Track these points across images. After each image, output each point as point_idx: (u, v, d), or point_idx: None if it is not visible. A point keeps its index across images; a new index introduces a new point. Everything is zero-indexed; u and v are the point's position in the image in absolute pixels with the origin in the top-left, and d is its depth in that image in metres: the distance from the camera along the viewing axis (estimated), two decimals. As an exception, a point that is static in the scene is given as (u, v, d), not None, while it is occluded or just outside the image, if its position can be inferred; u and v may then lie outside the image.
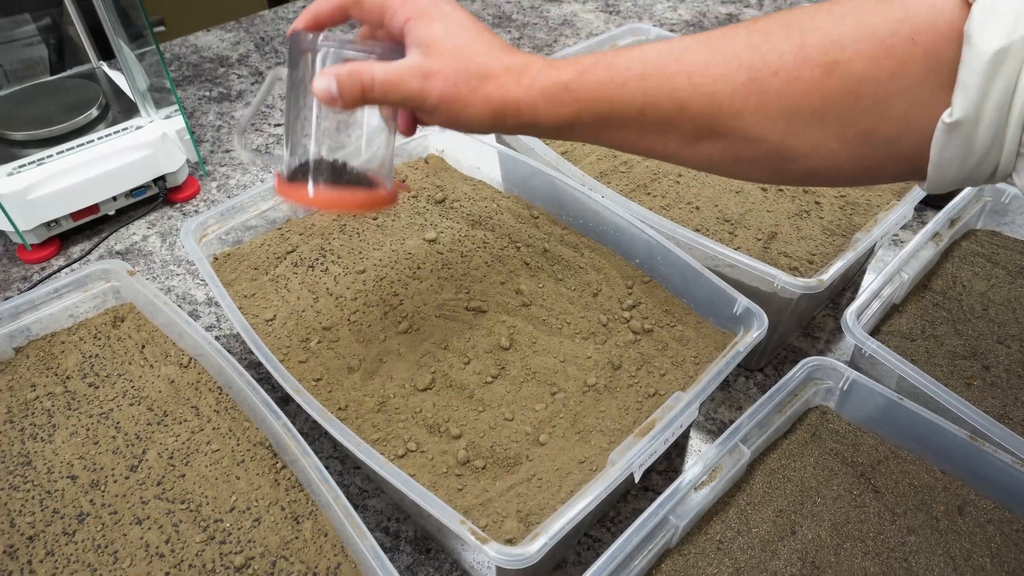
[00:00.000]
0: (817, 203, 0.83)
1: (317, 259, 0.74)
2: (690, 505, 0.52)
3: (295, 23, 0.48)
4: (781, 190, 0.86)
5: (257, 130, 1.13)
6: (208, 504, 0.54)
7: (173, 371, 0.63)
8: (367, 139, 0.49)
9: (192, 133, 0.97)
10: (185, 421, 0.60)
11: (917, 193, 0.79)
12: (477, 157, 0.86)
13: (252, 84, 1.24)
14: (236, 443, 0.58)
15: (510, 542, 0.51)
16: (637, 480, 0.53)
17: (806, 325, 0.86)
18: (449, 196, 0.82)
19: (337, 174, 0.49)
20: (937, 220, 0.75)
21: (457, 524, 0.48)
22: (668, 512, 0.50)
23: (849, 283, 0.92)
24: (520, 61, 0.43)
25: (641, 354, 0.66)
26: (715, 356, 0.65)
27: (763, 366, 0.81)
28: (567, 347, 0.66)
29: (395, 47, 0.46)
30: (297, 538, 0.52)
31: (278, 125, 1.14)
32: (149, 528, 0.52)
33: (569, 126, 0.44)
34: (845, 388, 0.60)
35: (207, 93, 1.22)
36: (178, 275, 0.89)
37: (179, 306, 0.83)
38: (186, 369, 0.64)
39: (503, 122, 0.44)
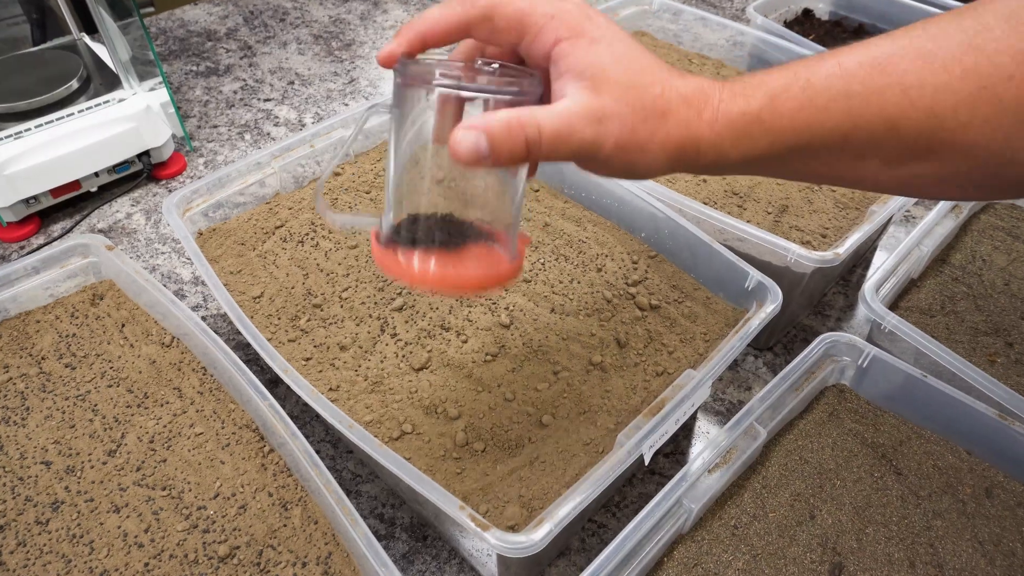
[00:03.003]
0: (829, 176, 0.80)
1: (307, 234, 0.71)
2: (703, 488, 0.48)
3: (392, 46, 0.37)
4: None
5: (246, 105, 1.09)
6: (191, 490, 0.51)
7: (155, 351, 0.60)
8: (500, 194, 0.39)
9: (177, 107, 0.93)
10: (167, 403, 0.56)
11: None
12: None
13: (240, 58, 1.20)
14: (221, 426, 0.55)
15: (512, 529, 0.48)
16: (647, 462, 0.50)
17: (816, 303, 0.83)
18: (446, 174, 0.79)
19: (455, 237, 0.39)
20: (956, 191, 0.72)
21: (456, 510, 0.45)
22: (681, 496, 0.47)
23: (860, 260, 0.89)
24: (695, 88, 0.36)
25: (648, 331, 0.63)
26: (726, 333, 0.62)
27: (773, 345, 0.78)
28: (570, 324, 0.63)
29: (532, 75, 0.37)
30: (285, 526, 0.49)
31: (268, 100, 1.10)
32: (127, 516, 0.49)
33: (757, 161, 0.37)
34: (865, 365, 0.57)
35: (194, 68, 1.18)
36: (163, 253, 0.86)
37: (164, 285, 0.80)
38: (168, 349, 0.60)
39: (678, 165, 0.37)
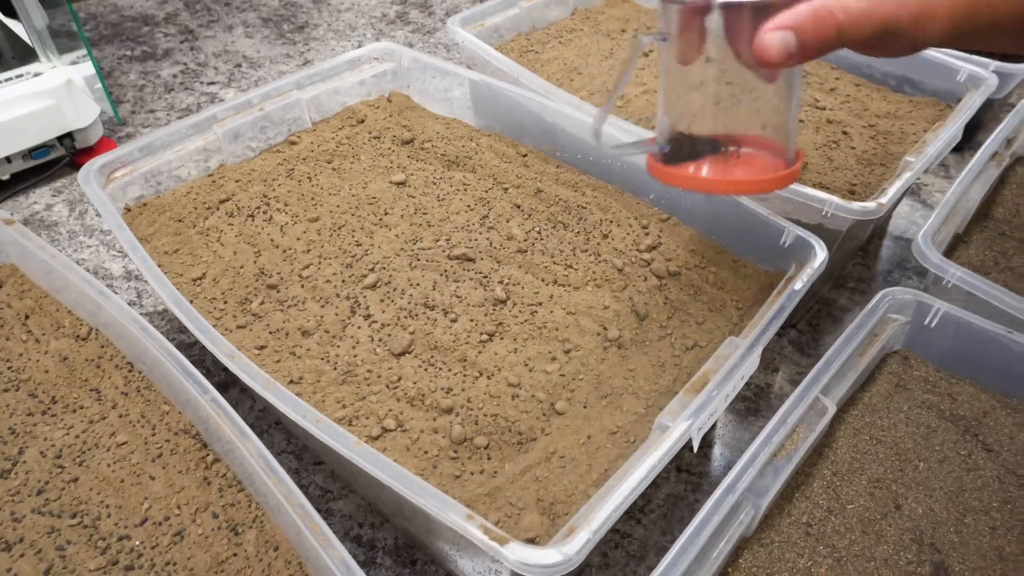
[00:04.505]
0: (845, 133, 0.72)
1: (259, 207, 0.59)
2: (768, 480, 0.39)
3: None
4: (801, 120, 0.74)
5: (187, 89, 0.98)
6: (109, 516, 0.39)
7: (67, 345, 0.48)
8: (785, 98, 0.40)
9: (104, 80, 0.81)
10: (81, 408, 0.45)
11: (965, 114, 0.68)
12: (448, 93, 0.72)
13: (181, 43, 1.08)
14: (151, 432, 0.43)
15: (533, 541, 0.38)
16: (695, 449, 0.40)
17: (837, 276, 0.75)
18: (418, 136, 0.68)
19: (736, 146, 0.41)
20: (994, 139, 0.64)
21: (462, 521, 0.34)
22: (745, 491, 0.37)
23: (877, 230, 0.81)
24: None
25: (669, 300, 0.53)
26: (762, 299, 0.53)
27: (796, 322, 0.69)
28: (577, 297, 0.53)
29: None
30: (236, 555, 0.38)
31: (212, 83, 0.99)
32: (21, 555, 0.37)
33: None
34: (933, 324, 0.48)
35: (128, 52, 1.06)
36: (89, 247, 0.74)
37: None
38: (85, 342, 0.48)
39: (969, 25, 0.37)
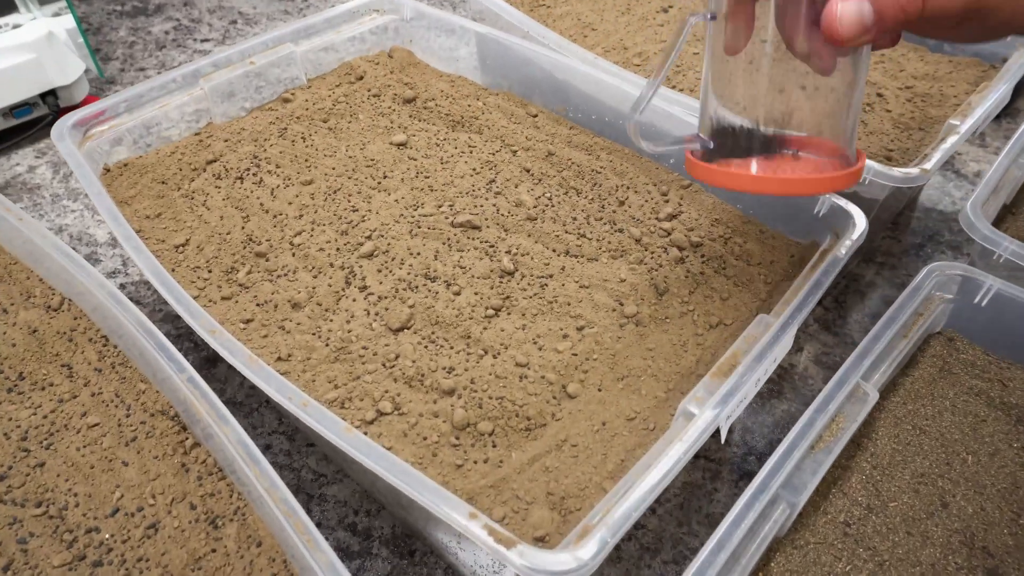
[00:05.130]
0: (880, 95, 0.67)
1: (248, 169, 0.55)
2: (806, 475, 0.35)
3: None
4: (834, 81, 0.69)
5: (179, 46, 0.93)
6: (78, 506, 0.36)
7: (36, 317, 0.44)
8: (850, 86, 0.36)
9: (85, 33, 0.76)
10: (51, 386, 0.41)
11: (1013, 74, 0.63)
12: (454, 52, 0.67)
13: (174, -2, 1.03)
14: (125, 413, 0.40)
15: (542, 541, 0.34)
16: (724, 439, 0.36)
17: (866, 250, 0.70)
18: (421, 94, 0.64)
19: (791, 141, 0.37)
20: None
21: (464, 520, 0.31)
22: (780, 487, 0.33)
23: (908, 202, 0.76)
24: None
25: (691, 274, 0.49)
26: (793, 273, 0.48)
27: (822, 298, 0.65)
28: (591, 269, 0.48)
29: None
30: (215, 551, 0.34)
31: (206, 40, 0.94)
32: (-21, 547, 0.34)
33: None
34: (983, 302, 0.43)
35: (118, 7, 1.01)
36: (73, 211, 0.70)
37: (74, 249, 0.64)
38: (56, 313, 0.45)
39: None
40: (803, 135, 0.37)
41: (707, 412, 0.35)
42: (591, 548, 0.30)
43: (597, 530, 0.31)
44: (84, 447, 0.38)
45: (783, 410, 0.55)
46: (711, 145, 0.39)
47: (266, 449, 0.51)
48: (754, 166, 0.37)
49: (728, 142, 0.38)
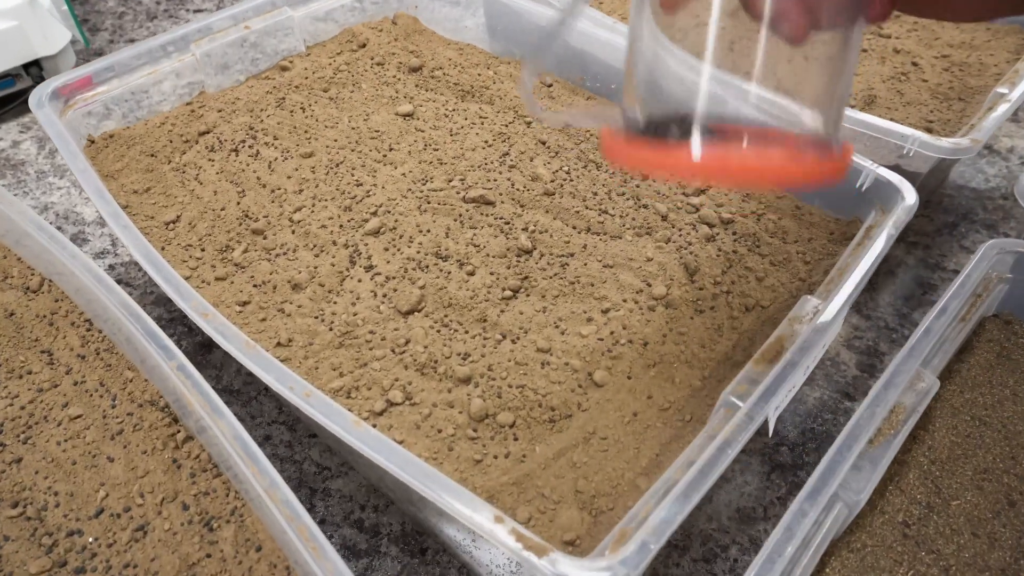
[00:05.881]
0: (915, 64, 0.63)
1: (244, 141, 0.51)
2: (866, 472, 0.31)
3: None
4: (866, 49, 0.65)
5: (171, 17, 0.88)
6: (58, 506, 0.32)
7: (14, 299, 0.41)
8: (838, 53, 0.27)
9: (71, 2, 0.72)
10: (29, 374, 0.37)
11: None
12: (460, 23, 0.63)
13: (166, -34, 0.98)
14: (111, 404, 0.36)
15: (573, 546, 0.31)
16: (771, 432, 0.32)
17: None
18: (428, 63, 0.60)
19: (754, 119, 0.27)
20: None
21: (489, 523, 0.27)
22: (839, 486, 0.30)
23: (942, 181, 0.73)
24: None
25: (723, 252, 0.45)
26: (833, 251, 0.45)
27: (852, 279, 0.62)
28: (615, 247, 0.45)
29: None
30: (210, 556, 0.31)
31: (198, 11, 0.90)
32: (-54, 554, 0.30)
33: None
34: (1046, 283, 0.40)
35: (107, -24, 0.96)
36: (60, 189, 0.66)
37: (59, 228, 0.60)
38: (36, 295, 0.41)
39: None
40: (770, 110, 0.27)
41: (756, 405, 0.31)
42: (632, 556, 0.26)
43: (636, 534, 0.27)
44: (65, 441, 0.34)
45: (815, 398, 0.52)
46: (640, 121, 0.29)
47: (265, 440, 0.48)
48: (701, 149, 0.27)
49: (677, 113, 0.28)
